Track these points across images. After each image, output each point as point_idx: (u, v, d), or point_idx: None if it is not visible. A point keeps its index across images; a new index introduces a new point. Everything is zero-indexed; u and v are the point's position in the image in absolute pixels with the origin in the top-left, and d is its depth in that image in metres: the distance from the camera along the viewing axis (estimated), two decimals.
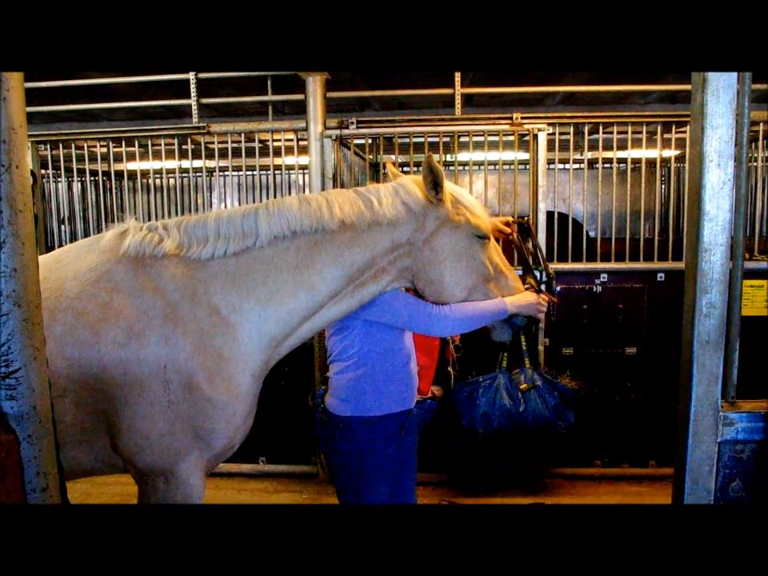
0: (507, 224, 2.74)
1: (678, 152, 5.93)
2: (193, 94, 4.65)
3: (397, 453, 2.47)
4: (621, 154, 5.15)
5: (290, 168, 4.82)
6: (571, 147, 4.42)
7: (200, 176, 4.75)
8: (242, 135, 4.63)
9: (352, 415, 2.38)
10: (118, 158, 5.03)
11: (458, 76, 4.57)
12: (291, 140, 4.68)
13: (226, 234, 2.14)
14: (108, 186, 6.64)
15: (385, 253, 2.21)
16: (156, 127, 4.72)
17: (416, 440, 2.63)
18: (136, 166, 4.91)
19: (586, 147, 4.98)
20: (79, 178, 5.68)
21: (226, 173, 4.80)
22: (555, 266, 4.37)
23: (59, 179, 5.55)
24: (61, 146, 4.76)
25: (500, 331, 2.49)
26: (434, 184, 2.22)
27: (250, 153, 4.87)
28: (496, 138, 4.53)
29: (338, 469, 2.46)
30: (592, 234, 5.87)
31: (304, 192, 5.83)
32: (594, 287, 4.40)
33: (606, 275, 4.40)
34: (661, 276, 4.37)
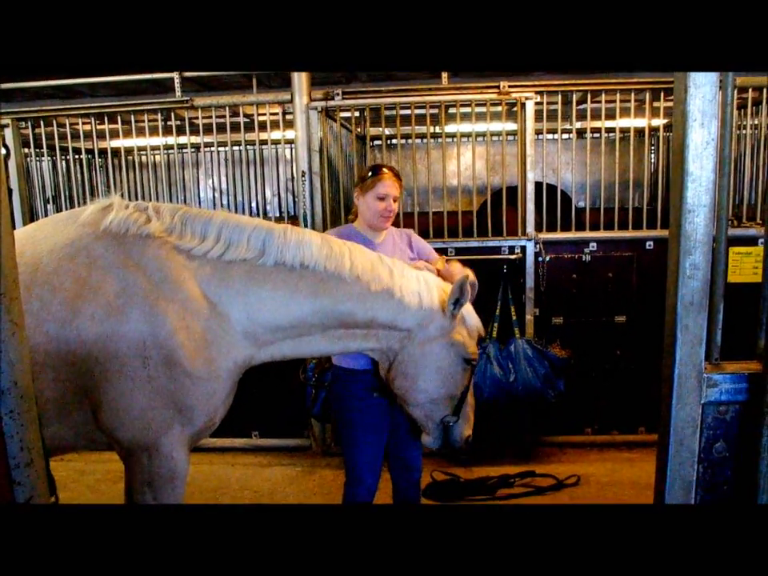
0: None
1: (666, 121, 5.90)
2: None
3: (384, 412, 2.70)
4: (609, 124, 5.11)
5: (276, 142, 4.76)
6: (559, 117, 4.38)
7: (186, 152, 4.70)
8: (227, 109, 4.56)
9: (335, 363, 2.76)
10: (101, 135, 4.96)
11: None
12: (277, 114, 4.61)
13: (228, 239, 2.12)
14: (93, 164, 6.56)
15: (383, 326, 2.28)
16: (139, 101, 4.65)
17: None
18: (120, 143, 4.84)
19: (574, 117, 4.95)
20: (63, 157, 5.60)
21: (212, 148, 4.75)
22: (544, 235, 4.38)
23: (43, 158, 5.47)
24: (42, 123, 4.68)
25: (433, 436, 2.50)
26: (458, 302, 2.29)
27: (236, 128, 4.81)
28: (484, 110, 4.49)
29: (333, 411, 2.82)
30: (581, 204, 5.86)
31: (292, 166, 5.79)
32: (583, 256, 4.41)
33: (594, 244, 4.40)
34: (650, 244, 4.38)
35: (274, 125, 4.85)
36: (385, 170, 2.72)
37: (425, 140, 4.58)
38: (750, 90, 4.32)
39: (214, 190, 5.46)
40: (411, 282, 2.30)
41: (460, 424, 2.47)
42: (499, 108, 4.50)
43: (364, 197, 2.71)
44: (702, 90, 1.43)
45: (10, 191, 1.32)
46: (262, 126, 4.59)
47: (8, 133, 4.57)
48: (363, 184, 2.72)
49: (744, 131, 4.76)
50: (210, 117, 4.65)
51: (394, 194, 2.69)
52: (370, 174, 2.73)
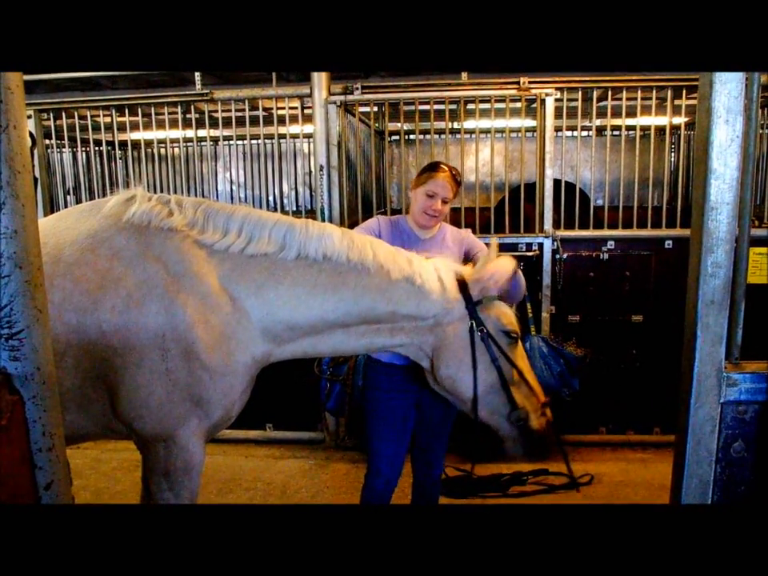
0: None
1: (687, 119, 5.84)
2: None
3: (409, 407, 2.66)
4: (630, 121, 5.07)
5: (294, 136, 4.77)
6: (579, 114, 4.35)
7: (204, 145, 4.72)
8: (246, 102, 4.58)
9: (366, 355, 2.72)
10: (121, 128, 5.00)
11: None
12: (295, 108, 4.62)
13: (249, 234, 2.12)
14: (113, 155, 6.62)
15: (407, 317, 2.23)
16: (159, 94, 4.68)
17: (441, 409, 2.69)
18: (140, 135, 4.88)
19: (594, 114, 4.90)
20: (84, 148, 5.66)
21: (231, 142, 4.77)
22: (562, 233, 4.35)
23: (64, 149, 5.53)
24: (64, 115, 4.73)
25: (513, 444, 2.41)
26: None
27: (255, 121, 4.83)
28: (503, 105, 4.47)
29: (360, 401, 2.78)
30: (600, 202, 5.81)
31: (309, 161, 5.80)
32: (601, 254, 4.38)
33: (612, 242, 4.37)
34: (669, 243, 4.34)
35: (293, 119, 4.86)
36: (444, 167, 2.63)
37: (443, 135, 4.57)
38: None
39: (231, 183, 5.49)
40: (429, 268, 2.28)
41: (531, 417, 2.34)
42: (518, 104, 4.47)
43: (415, 190, 2.64)
44: (728, 87, 1.42)
45: (35, 180, 1.34)
46: (281, 120, 4.60)
47: (30, 124, 4.62)
48: (418, 178, 2.67)
49: (766, 130, 4.70)
50: (230, 110, 4.67)
51: (444, 195, 2.58)
52: (427, 168, 2.66)
